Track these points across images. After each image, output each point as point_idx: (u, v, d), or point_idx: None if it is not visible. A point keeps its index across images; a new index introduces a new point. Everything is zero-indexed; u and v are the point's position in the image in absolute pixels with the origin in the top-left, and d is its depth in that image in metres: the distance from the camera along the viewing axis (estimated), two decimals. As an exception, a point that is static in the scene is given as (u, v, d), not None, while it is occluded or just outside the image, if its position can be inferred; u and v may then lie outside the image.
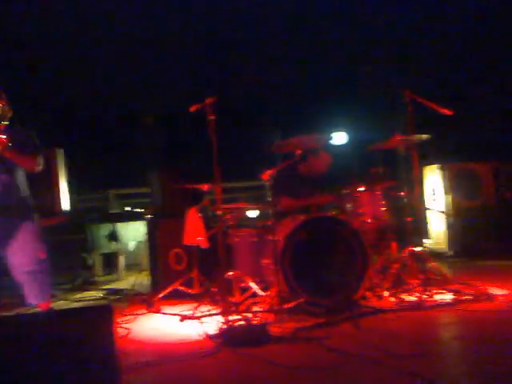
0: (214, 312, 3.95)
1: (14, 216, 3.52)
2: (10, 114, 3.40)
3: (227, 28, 8.88)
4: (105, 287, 5.84)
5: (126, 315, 4.19)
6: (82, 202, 8.00)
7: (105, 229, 6.45)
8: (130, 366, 2.84)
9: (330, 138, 6.00)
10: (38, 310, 3.59)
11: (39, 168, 3.63)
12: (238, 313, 3.79)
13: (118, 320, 3.88)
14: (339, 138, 8.29)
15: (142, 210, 6.59)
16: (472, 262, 5.86)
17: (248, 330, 3.37)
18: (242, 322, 3.54)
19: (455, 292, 4.13)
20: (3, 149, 3.25)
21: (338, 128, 8.18)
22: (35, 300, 3.55)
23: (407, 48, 8.86)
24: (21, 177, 3.65)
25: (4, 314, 4.21)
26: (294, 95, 10.01)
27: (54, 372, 2.33)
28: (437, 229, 6.67)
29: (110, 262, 6.73)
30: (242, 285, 4.24)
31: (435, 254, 6.18)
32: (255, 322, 3.61)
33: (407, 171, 5.10)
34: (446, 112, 4.43)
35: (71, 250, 6.18)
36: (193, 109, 3.87)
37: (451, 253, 6.36)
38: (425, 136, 4.47)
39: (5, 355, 2.34)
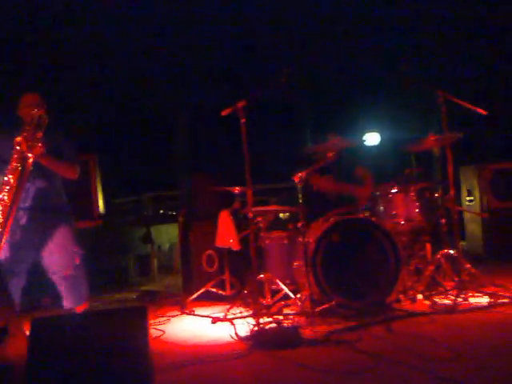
0: (245, 314, 3.98)
1: (51, 221, 3.58)
2: (46, 123, 3.45)
3: (259, 28, 8.89)
4: (139, 289, 5.93)
5: (159, 317, 4.25)
6: (117, 205, 8.15)
7: (139, 231, 6.56)
8: (163, 367, 2.89)
9: (363, 140, 5.97)
10: (75, 311, 3.67)
11: (76, 175, 3.69)
12: (270, 315, 3.80)
13: (152, 321, 3.94)
14: (372, 138, 8.21)
15: (175, 213, 6.68)
16: (509, 264, 5.72)
17: (279, 333, 3.38)
18: (274, 325, 3.55)
19: (491, 295, 4.04)
20: (40, 156, 3.32)
21: (370, 128, 8.10)
22: (72, 303, 3.62)
23: (443, 47, 8.69)
24: (58, 182, 3.72)
25: (43, 314, 4.32)
26: (326, 95, 9.96)
27: (89, 371, 2.39)
28: (472, 230, 6.54)
29: (144, 263, 6.84)
30: (274, 287, 4.26)
31: (470, 256, 6.05)
32: (287, 325, 3.62)
33: (442, 172, 5.02)
34: (482, 112, 4.34)
35: (106, 251, 6.29)
36: (225, 113, 3.88)
37: (487, 255, 6.22)
38: (459, 135, 4.39)
39: (42, 354, 2.41)
